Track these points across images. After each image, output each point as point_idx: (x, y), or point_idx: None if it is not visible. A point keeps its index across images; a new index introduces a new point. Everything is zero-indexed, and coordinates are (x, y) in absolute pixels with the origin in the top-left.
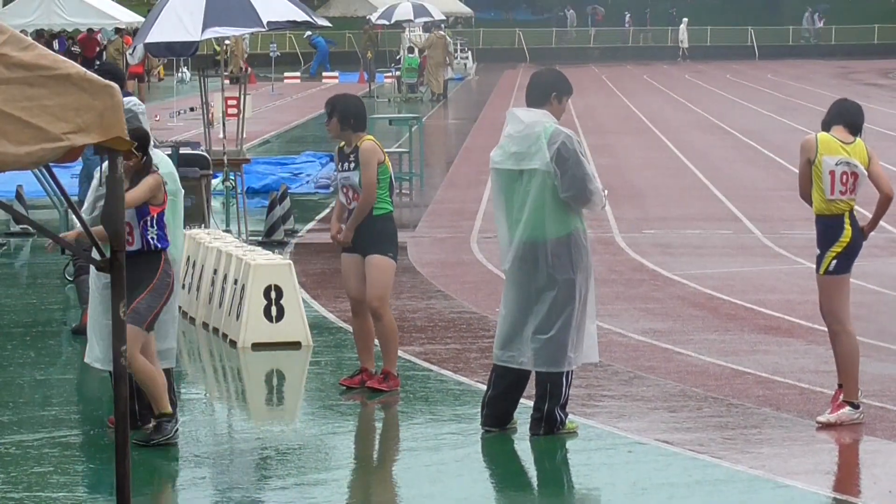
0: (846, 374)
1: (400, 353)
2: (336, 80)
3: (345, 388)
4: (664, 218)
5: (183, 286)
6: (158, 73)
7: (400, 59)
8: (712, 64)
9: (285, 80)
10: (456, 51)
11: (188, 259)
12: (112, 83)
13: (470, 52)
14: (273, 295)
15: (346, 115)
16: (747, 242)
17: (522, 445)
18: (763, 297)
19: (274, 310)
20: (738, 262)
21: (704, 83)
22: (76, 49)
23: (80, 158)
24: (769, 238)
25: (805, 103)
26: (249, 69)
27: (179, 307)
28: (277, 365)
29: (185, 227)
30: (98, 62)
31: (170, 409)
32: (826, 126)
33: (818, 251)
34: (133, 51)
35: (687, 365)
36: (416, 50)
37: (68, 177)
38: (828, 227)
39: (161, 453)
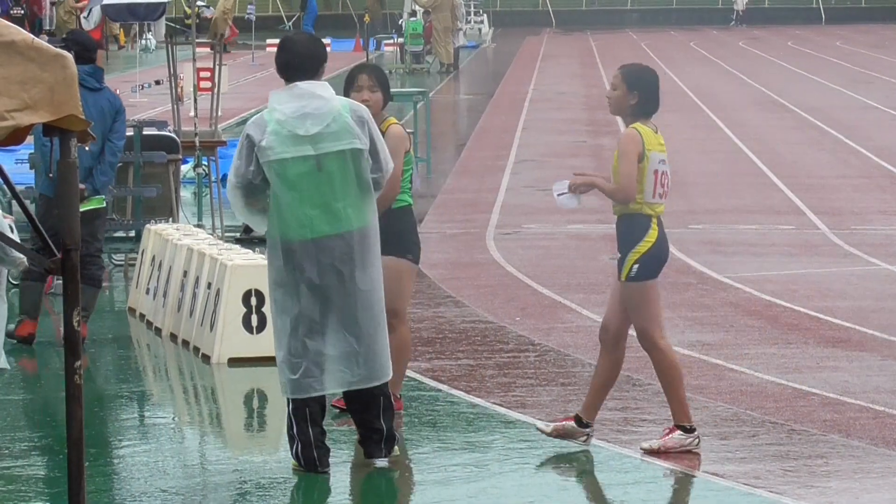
0: None
1: None
2: (328, 49)
3: (338, 411)
4: (714, 211)
5: (147, 291)
6: (118, 39)
7: (402, 23)
8: (771, 29)
9: (267, 49)
10: (468, 13)
11: (153, 259)
12: (63, 52)
13: (485, 16)
14: (254, 301)
15: (388, 90)
16: (812, 240)
17: (548, 478)
18: (831, 305)
19: (255, 319)
20: (802, 263)
21: (762, 52)
22: (17, 11)
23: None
24: (838, 235)
25: (881, 76)
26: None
27: (142, 315)
28: (258, 383)
29: (150, 222)
30: (48, 28)
31: None
32: (644, 113)
33: (618, 254)
34: (88, 13)
35: (741, 384)
36: (419, 12)
37: (12, 161)
38: (634, 225)
39: (123, 487)
